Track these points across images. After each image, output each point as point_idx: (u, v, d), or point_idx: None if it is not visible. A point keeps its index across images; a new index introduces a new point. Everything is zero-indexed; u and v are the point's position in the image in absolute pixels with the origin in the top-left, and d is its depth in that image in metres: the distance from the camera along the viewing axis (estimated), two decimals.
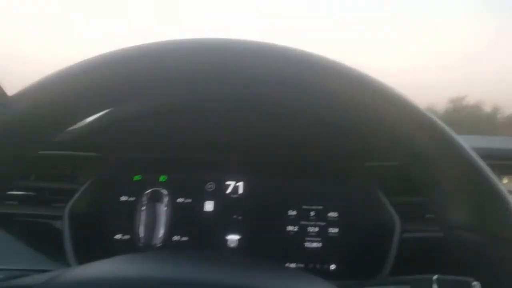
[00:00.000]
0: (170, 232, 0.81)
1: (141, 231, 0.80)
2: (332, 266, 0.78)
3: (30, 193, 0.81)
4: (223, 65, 0.34)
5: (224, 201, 0.82)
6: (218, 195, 0.83)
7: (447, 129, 0.34)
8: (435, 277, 0.49)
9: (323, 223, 0.80)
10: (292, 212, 0.81)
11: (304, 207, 0.81)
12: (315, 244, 0.79)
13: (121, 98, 0.37)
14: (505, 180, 0.79)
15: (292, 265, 0.78)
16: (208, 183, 0.83)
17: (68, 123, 0.37)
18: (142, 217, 0.81)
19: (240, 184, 0.83)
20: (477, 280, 0.48)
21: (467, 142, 0.35)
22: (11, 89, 0.37)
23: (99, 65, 0.35)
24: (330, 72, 0.34)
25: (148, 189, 0.82)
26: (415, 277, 0.51)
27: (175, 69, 0.34)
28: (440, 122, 0.34)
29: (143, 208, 0.81)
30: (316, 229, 0.80)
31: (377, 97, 0.34)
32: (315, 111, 0.66)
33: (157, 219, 0.81)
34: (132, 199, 0.82)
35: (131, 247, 0.78)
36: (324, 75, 0.34)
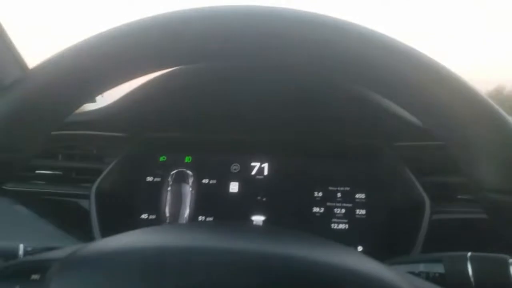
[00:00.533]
0: (195, 212, 0.80)
1: (167, 211, 0.80)
2: (359, 248, 0.76)
3: (57, 172, 0.82)
4: (265, 35, 0.33)
5: (249, 182, 0.82)
6: (243, 176, 0.82)
7: (479, 91, 0.33)
8: (469, 254, 0.48)
9: (350, 205, 0.78)
10: (318, 194, 0.79)
11: (331, 188, 0.79)
12: (341, 226, 0.78)
13: (141, 70, 0.36)
14: None
15: None
16: (233, 164, 0.83)
17: (88, 96, 0.37)
18: (168, 197, 0.81)
19: (265, 165, 0.82)
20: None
21: None
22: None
23: (120, 34, 0.34)
24: (380, 47, 0.33)
25: (174, 170, 0.82)
26: (448, 254, 0.50)
27: (199, 39, 0.33)
28: (471, 85, 0.33)
29: (169, 188, 0.81)
30: (343, 210, 0.78)
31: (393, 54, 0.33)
32: (351, 90, 0.64)
33: (182, 199, 0.81)
34: (157, 179, 0.82)
35: None
36: (374, 50, 0.33)
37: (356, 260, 0.37)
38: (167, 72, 0.75)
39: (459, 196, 0.73)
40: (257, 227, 0.48)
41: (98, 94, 0.39)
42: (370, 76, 0.33)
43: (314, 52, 0.33)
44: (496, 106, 0.33)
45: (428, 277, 0.49)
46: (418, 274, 0.49)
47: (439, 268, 0.49)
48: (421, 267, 0.50)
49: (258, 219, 0.80)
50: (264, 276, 0.33)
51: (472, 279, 0.46)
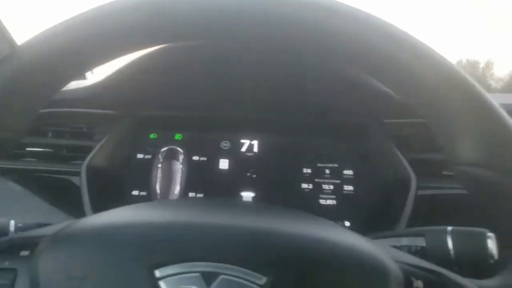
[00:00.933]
0: (186, 189, 0.81)
1: (158, 188, 0.81)
2: (347, 223, 0.78)
3: (48, 150, 0.83)
4: (251, 16, 0.33)
5: (239, 159, 0.83)
6: (233, 153, 0.83)
7: (456, 67, 0.34)
8: (449, 228, 0.49)
9: (338, 181, 0.80)
10: (307, 170, 0.81)
11: (319, 165, 0.81)
12: (330, 201, 0.79)
13: (131, 46, 0.37)
14: None
15: None
16: (223, 141, 0.84)
17: (76, 72, 0.37)
18: (159, 174, 0.82)
19: (255, 143, 0.83)
20: (492, 232, 0.48)
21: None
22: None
23: (110, 11, 0.34)
24: (353, 20, 0.33)
25: (164, 147, 0.83)
26: (429, 229, 0.51)
27: (190, 19, 0.34)
28: (449, 61, 0.34)
29: (159, 165, 0.82)
30: (331, 186, 0.80)
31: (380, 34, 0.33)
32: (337, 66, 0.65)
33: (173, 176, 0.82)
34: (148, 156, 0.83)
35: None
36: (347, 23, 0.33)
37: (339, 233, 0.38)
38: (157, 50, 0.75)
39: (444, 173, 0.75)
40: (243, 203, 0.50)
41: (85, 71, 0.39)
42: (346, 50, 0.34)
43: (290, 29, 0.33)
44: (473, 81, 0.34)
45: (410, 250, 0.50)
46: (400, 248, 0.51)
47: (421, 242, 0.50)
48: (404, 241, 0.51)
49: (248, 195, 0.81)
50: (247, 249, 0.34)
51: (452, 252, 0.47)
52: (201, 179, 0.82)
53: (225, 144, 0.83)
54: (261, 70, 0.77)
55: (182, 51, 0.76)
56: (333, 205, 0.79)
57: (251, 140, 0.83)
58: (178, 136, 0.84)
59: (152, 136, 0.84)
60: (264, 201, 0.80)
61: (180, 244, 0.34)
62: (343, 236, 0.37)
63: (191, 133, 0.84)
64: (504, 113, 0.34)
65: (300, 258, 0.34)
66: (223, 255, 0.33)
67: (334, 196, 0.80)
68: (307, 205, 0.79)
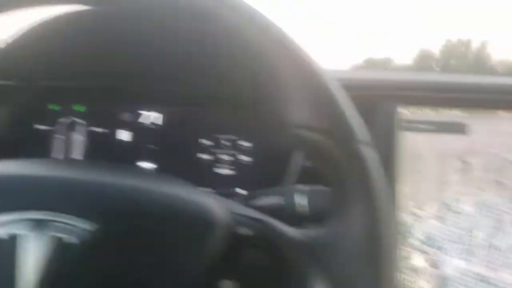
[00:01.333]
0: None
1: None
2: (243, 191, 0.82)
3: None
4: None
5: (140, 131, 0.84)
6: (134, 125, 0.85)
7: (283, 30, 0.37)
8: (300, 186, 0.55)
9: (235, 152, 0.83)
10: (206, 142, 0.84)
11: (218, 136, 0.84)
12: (227, 171, 0.83)
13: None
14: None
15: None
16: (125, 113, 0.85)
17: None
18: (59, 146, 0.82)
19: (157, 115, 0.85)
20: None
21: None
22: None
23: None
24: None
25: (65, 119, 0.83)
26: (287, 188, 0.56)
27: None
28: (278, 25, 0.37)
29: (60, 137, 0.83)
30: (229, 157, 0.83)
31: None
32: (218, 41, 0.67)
33: (73, 148, 0.82)
34: (48, 128, 0.83)
35: None
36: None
37: (173, 187, 0.41)
38: (54, 18, 0.75)
39: None
40: (92, 162, 0.52)
41: None
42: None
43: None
44: (305, 51, 0.38)
45: (272, 208, 0.55)
46: (260, 207, 0.55)
47: (279, 200, 0.55)
48: (264, 200, 0.56)
49: (149, 166, 0.83)
50: (77, 198, 0.36)
51: (301, 209, 0.52)
52: (102, 151, 0.83)
53: (127, 116, 0.85)
54: (161, 42, 0.79)
55: (82, 20, 0.76)
56: (231, 174, 0.83)
57: (152, 112, 0.85)
58: (79, 107, 0.84)
59: (52, 107, 0.84)
60: (165, 172, 0.82)
61: (13, 195, 0.36)
62: (176, 189, 0.41)
63: (92, 104, 0.85)
64: (328, 80, 0.37)
65: (127, 207, 0.37)
66: (53, 204, 0.36)
67: (232, 167, 0.83)
68: (205, 175, 0.82)
